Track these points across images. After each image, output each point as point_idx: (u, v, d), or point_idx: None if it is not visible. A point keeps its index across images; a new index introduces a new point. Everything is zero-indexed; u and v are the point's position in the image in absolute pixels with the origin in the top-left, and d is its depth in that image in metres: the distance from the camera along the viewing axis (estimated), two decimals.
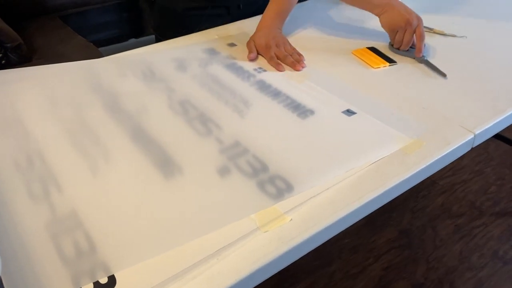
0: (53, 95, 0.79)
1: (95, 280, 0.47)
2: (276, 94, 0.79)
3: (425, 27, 1.01)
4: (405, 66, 0.88)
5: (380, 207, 0.60)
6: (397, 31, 0.90)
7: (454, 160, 0.69)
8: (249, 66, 0.88)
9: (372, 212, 0.59)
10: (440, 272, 1.32)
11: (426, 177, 0.65)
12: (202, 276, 0.48)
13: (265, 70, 0.86)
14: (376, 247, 1.38)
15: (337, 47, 0.95)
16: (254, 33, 0.94)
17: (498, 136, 1.70)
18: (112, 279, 0.47)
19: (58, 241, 0.51)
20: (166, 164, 0.63)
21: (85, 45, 1.51)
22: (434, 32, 1.00)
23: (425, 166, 0.63)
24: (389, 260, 1.34)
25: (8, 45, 1.29)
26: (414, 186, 0.63)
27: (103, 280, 0.47)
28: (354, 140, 0.67)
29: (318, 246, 0.55)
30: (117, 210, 0.55)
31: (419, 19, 0.89)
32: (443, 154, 0.65)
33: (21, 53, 1.31)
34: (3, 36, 1.27)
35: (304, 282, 1.28)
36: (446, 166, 1.61)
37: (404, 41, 0.90)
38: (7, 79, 0.83)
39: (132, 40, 1.98)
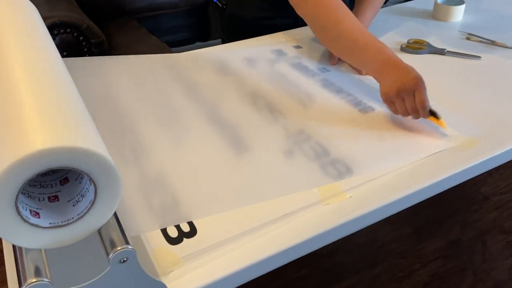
0: (141, 80, 0.89)
1: (177, 223, 0.55)
2: (338, 91, 0.85)
3: (486, 39, 1.04)
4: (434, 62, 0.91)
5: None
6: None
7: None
8: (314, 66, 0.95)
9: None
10: (487, 285, 1.31)
11: (480, 174, 0.69)
12: (271, 234, 0.55)
13: (328, 70, 0.93)
14: (423, 254, 1.40)
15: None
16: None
17: None
18: (193, 228, 0.55)
19: (147, 197, 0.60)
20: (238, 143, 0.71)
21: (159, 45, 1.64)
22: (496, 45, 1.02)
23: (479, 162, 0.67)
24: (436, 268, 1.35)
25: (93, 40, 1.44)
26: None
27: (186, 228, 0.55)
28: (412, 135, 0.72)
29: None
30: (196, 174, 0.64)
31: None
32: (497, 153, 0.69)
33: (103, 48, 1.46)
34: (90, 32, 1.42)
35: (349, 280, 1.31)
36: (501, 183, 1.60)
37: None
38: (102, 65, 0.95)
39: (199, 43, 2.12)
